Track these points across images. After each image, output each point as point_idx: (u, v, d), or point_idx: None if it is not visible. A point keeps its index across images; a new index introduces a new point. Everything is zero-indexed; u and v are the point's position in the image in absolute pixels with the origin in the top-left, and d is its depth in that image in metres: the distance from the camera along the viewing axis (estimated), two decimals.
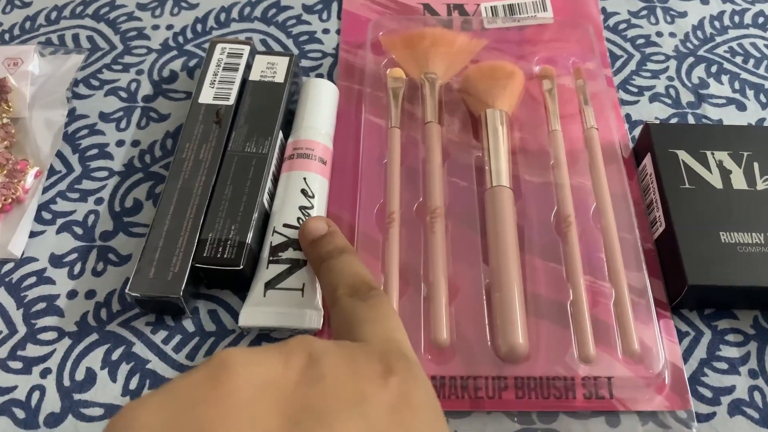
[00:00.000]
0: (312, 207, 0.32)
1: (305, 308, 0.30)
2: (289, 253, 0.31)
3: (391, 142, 0.35)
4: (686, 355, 0.30)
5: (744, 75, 0.40)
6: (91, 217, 0.34)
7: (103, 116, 0.38)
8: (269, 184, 0.33)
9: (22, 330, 0.31)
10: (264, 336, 0.31)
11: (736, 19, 0.43)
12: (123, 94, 0.39)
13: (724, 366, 0.30)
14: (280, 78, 0.36)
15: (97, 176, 0.36)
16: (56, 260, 0.33)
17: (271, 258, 0.31)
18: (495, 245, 0.30)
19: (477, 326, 0.29)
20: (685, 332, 0.31)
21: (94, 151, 0.37)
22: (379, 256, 0.31)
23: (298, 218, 0.32)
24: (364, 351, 0.22)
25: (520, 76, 0.36)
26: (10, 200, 0.34)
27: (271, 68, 0.36)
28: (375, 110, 0.37)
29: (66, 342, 0.30)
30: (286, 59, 0.37)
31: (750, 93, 0.39)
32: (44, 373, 0.29)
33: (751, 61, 0.41)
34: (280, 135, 0.35)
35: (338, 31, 0.42)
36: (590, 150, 0.34)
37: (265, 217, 0.32)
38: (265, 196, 0.32)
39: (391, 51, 0.39)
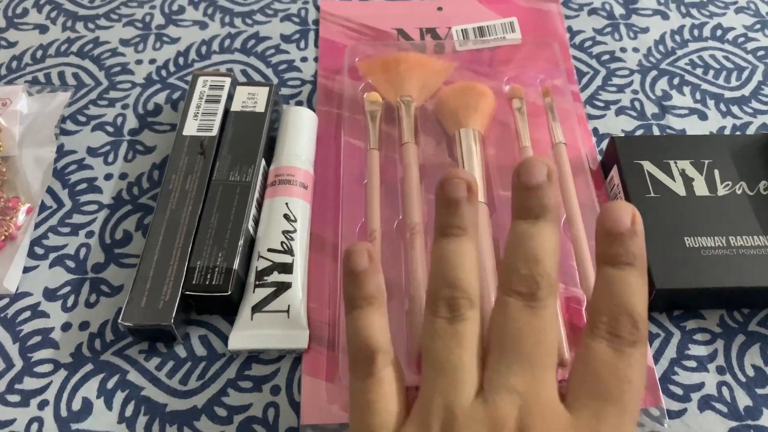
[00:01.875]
0: (295, 231, 0.33)
1: (291, 329, 0.31)
2: (274, 277, 0.32)
3: (370, 163, 0.36)
4: (657, 356, 0.31)
5: (704, 86, 0.42)
6: (83, 250, 0.35)
7: (91, 151, 0.39)
8: (254, 210, 0.34)
9: (18, 364, 0.32)
10: (253, 358, 0.32)
11: (696, 32, 0.45)
12: (110, 129, 0.40)
13: (693, 364, 0.31)
14: (260, 107, 0.37)
15: (87, 210, 0.37)
16: (50, 294, 0.34)
17: (257, 282, 0.32)
18: None
19: None
20: (655, 334, 0.32)
21: (84, 186, 0.38)
22: None
23: (282, 242, 0.33)
24: None
25: (491, 95, 0.38)
26: (3, 237, 0.35)
27: (252, 98, 0.38)
28: (354, 132, 0.38)
29: (62, 373, 0.31)
30: (266, 89, 0.38)
31: (710, 103, 0.41)
32: (42, 405, 0.30)
33: (711, 72, 0.43)
34: (263, 162, 0.36)
35: (316, 59, 0.43)
36: (559, 164, 0.35)
37: (251, 242, 0.34)
38: (250, 223, 0.34)
39: (368, 76, 0.40)
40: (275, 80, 0.42)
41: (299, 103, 0.41)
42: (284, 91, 0.42)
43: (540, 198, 0.25)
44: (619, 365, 0.23)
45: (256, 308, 0.31)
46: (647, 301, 0.24)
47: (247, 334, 0.31)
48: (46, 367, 0.32)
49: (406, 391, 0.25)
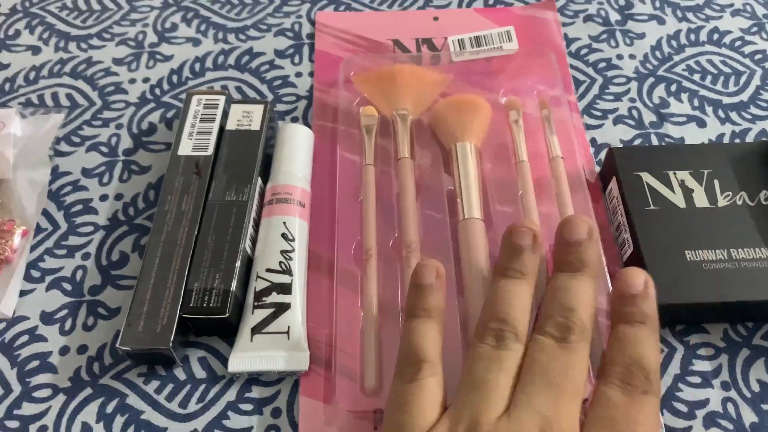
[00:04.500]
0: (293, 250, 0.33)
1: (292, 351, 0.31)
2: (273, 297, 0.32)
3: (365, 180, 0.36)
4: (661, 372, 0.31)
5: (702, 92, 0.42)
6: (79, 273, 0.35)
7: (86, 172, 0.39)
8: (250, 230, 0.34)
9: (17, 389, 0.31)
10: (253, 380, 0.31)
11: (692, 37, 0.45)
12: (104, 149, 0.40)
13: (697, 380, 0.31)
14: (256, 125, 0.37)
15: (83, 231, 0.37)
16: (47, 317, 0.34)
17: (255, 303, 0.32)
18: (469, 277, 0.31)
19: (455, 356, 0.30)
20: None
21: (79, 207, 0.38)
22: (358, 291, 0.32)
23: (280, 262, 0.33)
24: None
25: (487, 108, 0.38)
26: None
27: (247, 116, 0.37)
28: (349, 147, 0.38)
29: (61, 398, 0.31)
30: (261, 107, 0.38)
31: (709, 109, 0.41)
32: (41, 431, 0.30)
33: (709, 78, 0.42)
34: (259, 181, 0.36)
35: (311, 74, 0.43)
36: (556, 179, 0.35)
37: (249, 263, 0.33)
38: (247, 243, 0.33)
39: (363, 90, 0.40)
40: (270, 96, 0.42)
41: (295, 119, 0.41)
42: (279, 107, 0.41)
43: (580, 254, 0.27)
44: (631, 409, 0.24)
45: (256, 330, 0.31)
46: (659, 359, 0.25)
47: (247, 356, 0.31)
48: (45, 392, 0.31)
49: (444, 406, 0.26)
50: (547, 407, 0.24)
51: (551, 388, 0.24)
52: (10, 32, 0.45)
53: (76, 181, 0.38)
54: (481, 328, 0.27)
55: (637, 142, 0.39)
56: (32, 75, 0.43)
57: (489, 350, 0.26)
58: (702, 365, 0.31)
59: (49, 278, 0.35)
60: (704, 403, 0.30)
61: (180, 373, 0.32)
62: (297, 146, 0.37)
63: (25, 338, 0.33)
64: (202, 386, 0.31)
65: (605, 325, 0.30)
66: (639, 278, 0.27)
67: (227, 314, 0.31)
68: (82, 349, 0.33)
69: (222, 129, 0.37)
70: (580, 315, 0.26)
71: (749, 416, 0.30)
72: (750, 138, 0.39)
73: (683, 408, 0.30)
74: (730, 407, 0.30)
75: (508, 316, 0.26)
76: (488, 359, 0.25)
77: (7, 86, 0.42)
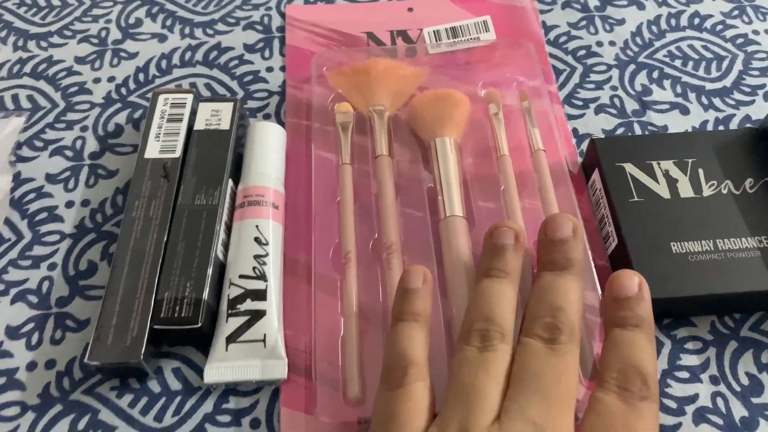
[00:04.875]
0: (267, 254, 0.32)
1: (268, 359, 0.30)
2: (248, 305, 0.31)
3: (342, 180, 0.35)
4: None
5: (685, 78, 0.41)
6: (46, 284, 0.34)
7: (50, 178, 0.37)
8: (222, 235, 0.33)
9: None
10: (231, 390, 0.30)
11: (673, 22, 0.44)
12: (69, 153, 0.38)
13: (686, 375, 0.30)
14: (225, 125, 0.36)
15: (49, 240, 0.35)
16: (12, 332, 0.32)
17: (229, 311, 0.30)
18: (452, 276, 0.30)
19: (440, 359, 0.29)
20: None
21: (44, 215, 0.36)
22: (338, 296, 0.31)
23: (254, 267, 0.31)
24: None
25: (466, 102, 0.37)
26: None
27: (216, 115, 0.36)
28: (324, 145, 0.37)
29: (30, 416, 0.30)
30: (231, 104, 0.36)
31: (692, 96, 0.40)
32: None
33: (690, 64, 0.42)
34: (230, 183, 0.34)
35: (282, 68, 0.42)
36: (539, 173, 0.34)
37: (221, 269, 0.32)
38: (219, 248, 0.32)
39: (337, 86, 0.39)
40: (240, 92, 0.40)
41: (267, 116, 0.39)
42: (250, 103, 0.40)
43: (565, 252, 0.27)
44: (630, 417, 0.23)
45: (231, 338, 0.30)
46: (656, 363, 0.25)
47: (222, 366, 0.30)
48: (13, 411, 0.30)
49: (432, 412, 0.25)
50: (540, 416, 0.23)
51: (543, 395, 0.23)
52: None
53: (40, 187, 0.37)
54: (465, 331, 0.26)
55: (619, 131, 0.38)
56: None
57: (475, 353, 0.25)
58: (690, 359, 0.31)
59: (13, 291, 0.33)
60: (693, 398, 0.29)
61: (154, 386, 0.30)
62: (268, 145, 0.35)
63: None
64: (178, 398, 0.30)
65: (592, 321, 0.29)
66: (633, 280, 0.26)
67: (200, 324, 0.30)
68: (51, 363, 0.31)
69: (190, 130, 0.36)
70: (569, 314, 0.25)
71: (739, 410, 0.29)
72: (734, 124, 0.39)
73: (672, 404, 0.29)
74: (720, 402, 0.29)
75: (493, 315, 0.25)
76: (475, 363, 0.24)
77: None
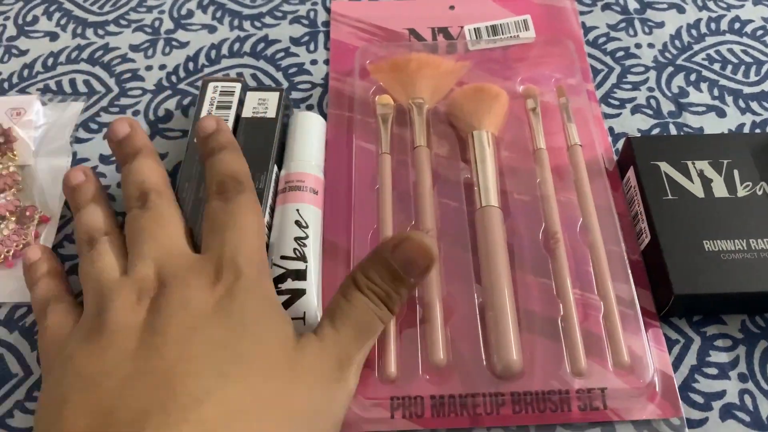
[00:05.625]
0: (307, 237, 0.33)
1: None
2: (289, 284, 0.32)
3: (381, 169, 0.36)
4: (677, 363, 0.31)
5: (722, 81, 0.41)
6: None
7: (104, 159, 0.39)
8: (267, 217, 0.34)
9: (37, 372, 0.32)
10: None
11: (713, 26, 0.44)
12: None
13: (714, 371, 0.31)
14: (271, 113, 0.37)
15: None
16: None
17: None
18: (486, 265, 0.31)
19: (473, 345, 0.30)
20: (675, 340, 0.31)
21: None
22: None
23: (294, 249, 0.33)
24: (199, 265, 0.27)
25: (504, 96, 0.37)
26: (21, 246, 0.35)
27: (263, 104, 0.37)
28: (365, 136, 0.38)
29: None
30: (276, 94, 0.38)
31: (729, 99, 0.40)
32: None
33: (729, 67, 0.42)
34: (275, 168, 0.36)
35: (326, 61, 0.43)
36: (575, 166, 0.35)
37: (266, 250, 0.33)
38: (265, 230, 0.33)
39: (378, 78, 0.40)
40: (285, 84, 0.42)
41: (310, 107, 0.41)
42: (294, 94, 0.41)
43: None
44: (228, 207, 0.29)
45: None
46: (247, 167, 0.32)
47: None
48: None
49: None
50: (151, 250, 0.29)
51: (147, 237, 0.29)
52: (29, 18, 0.46)
53: (94, 167, 0.39)
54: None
55: (655, 131, 0.39)
56: (50, 61, 0.43)
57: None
58: (719, 357, 0.31)
59: (68, 264, 0.35)
60: (721, 394, 0.30)
61: None
62: (309, 134, 0.37)
63: None
64: None
65: (625, 313, 0.30)
66: (210, 121, 0.33)
67: None
68: None
69: (238, 117, 0.37)
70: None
71: (767, 408, 0.29)
72: None
73: (699, 399, 0.30)
74: (747, 399, 0.30)
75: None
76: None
77: (25, 72, 0.43)
